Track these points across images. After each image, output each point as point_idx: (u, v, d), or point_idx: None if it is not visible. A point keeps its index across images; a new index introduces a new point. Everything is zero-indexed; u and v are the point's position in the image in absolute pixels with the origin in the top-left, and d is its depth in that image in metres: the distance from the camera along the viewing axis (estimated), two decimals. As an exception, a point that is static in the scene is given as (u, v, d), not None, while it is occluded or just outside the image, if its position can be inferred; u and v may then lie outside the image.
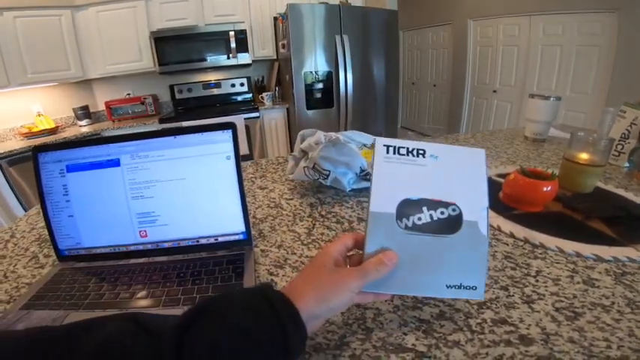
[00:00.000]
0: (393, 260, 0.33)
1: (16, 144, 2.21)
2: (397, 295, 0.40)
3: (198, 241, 0.54)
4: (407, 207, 0.34)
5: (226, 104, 2.97)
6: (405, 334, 0.35)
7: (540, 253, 0.49)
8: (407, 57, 4.69)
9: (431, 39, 4.25)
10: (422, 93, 4.63)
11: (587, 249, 0.49)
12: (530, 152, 0.99)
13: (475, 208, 0.34)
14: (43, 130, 2.39)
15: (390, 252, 0.33)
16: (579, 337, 0.34)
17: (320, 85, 2.54)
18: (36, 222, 0.71)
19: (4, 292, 0.48)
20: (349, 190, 0.73)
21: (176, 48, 2.54)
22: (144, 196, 0.51)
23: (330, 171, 0.68)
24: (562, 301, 0.39)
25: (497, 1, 3.24)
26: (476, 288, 0.34)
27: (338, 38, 2.43)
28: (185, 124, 2.26)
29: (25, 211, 2.08)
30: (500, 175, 0.78)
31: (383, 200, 0.34)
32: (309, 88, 2.51)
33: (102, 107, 2.73)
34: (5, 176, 2.03)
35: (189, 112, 2.80)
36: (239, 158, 0.52)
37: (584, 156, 0.68)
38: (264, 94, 2.80)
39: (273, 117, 2.77)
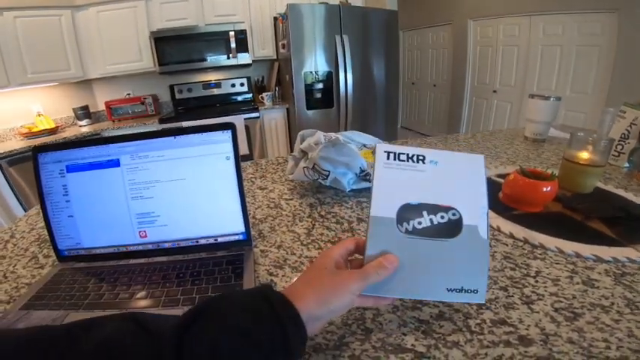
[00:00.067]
0: (393, 264, 0.33)
1: (16, 144, 2.21)
2: (397, 298, 0.40)
3: (197, 242, 0.54)
4: (407, 211, 0.35)
5: (226, 104, 2.97)
6: (405, 335, 0.36)
7: (540, 254, 0.49)
8: (407, 57, 4.69)
9: (431, 39, 4.25)
10: (422, 93, 4.63)
11: (587, 249, 0.49)
12: (530, 152, 0.99)
13: (475, 213, 0.35)
14: (43, 130, 2.40)
15: (390, 255, 0.34)
16: (579, 337, 0.34)
17: (320, 85, 2.54)
18: (36, 222, 0.71)
19: (3, 292, 0.48)
20: (349, 191, 0.73)
21: (176, 48, 2.54)
22: (144, 197, 0.51)
23: (329, 171, 0.68)
24: (561, 302, 0.39)
25: (497, 1, 3.24)
26: (477, 291, 0.34)
27: (338, 38, 2.43)
28: (185, 124, 2.27)
29: (25, 211, 2.08)
30: (499, 176, 0.78)
31: (383, 205, 0.35)
32: (309, 88, 2.51)
33: (102, 107, 2.74)
34: (5, 176, 2.03)
35: (189, 112, 2.79)
36: (239, 158, 0.52)
37: (584, 156, 0.68)
38: (264, 94, 2.80)
39: (273, 117, 2.77)
